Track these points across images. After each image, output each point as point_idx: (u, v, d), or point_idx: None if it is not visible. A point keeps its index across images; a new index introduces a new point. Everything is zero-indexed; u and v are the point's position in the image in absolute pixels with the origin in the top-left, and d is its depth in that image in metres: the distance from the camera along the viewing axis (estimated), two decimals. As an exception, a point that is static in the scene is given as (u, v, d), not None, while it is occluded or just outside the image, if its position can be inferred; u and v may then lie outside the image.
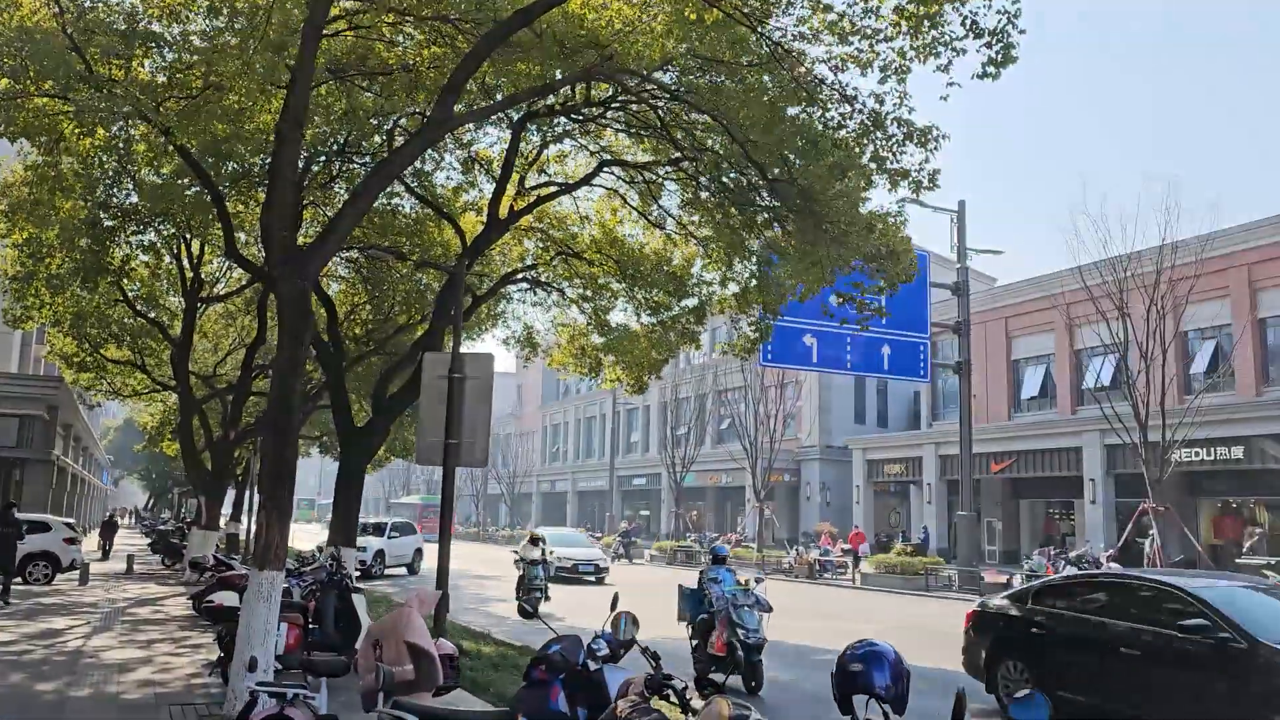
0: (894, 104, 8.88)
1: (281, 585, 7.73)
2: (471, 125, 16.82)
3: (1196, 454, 28.80)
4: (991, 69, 7.62)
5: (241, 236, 17.92)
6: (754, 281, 14.62)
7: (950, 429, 39.24)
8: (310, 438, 38.62)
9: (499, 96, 13.85)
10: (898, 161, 9.17)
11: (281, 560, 7.70)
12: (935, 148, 8.92)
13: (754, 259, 13.98)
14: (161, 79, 12.97)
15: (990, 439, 36.18)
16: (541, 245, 18.72)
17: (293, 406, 7.92)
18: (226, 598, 9.36)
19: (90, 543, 46.81)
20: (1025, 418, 36.98)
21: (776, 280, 14.33)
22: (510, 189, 15.41)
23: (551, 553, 25.09)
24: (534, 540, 21.74)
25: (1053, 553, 26.36)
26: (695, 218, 16.94)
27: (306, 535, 49.81)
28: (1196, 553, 23.36)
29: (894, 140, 9.04)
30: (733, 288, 16.40)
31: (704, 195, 14.65)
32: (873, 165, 9.87)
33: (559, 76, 9.57)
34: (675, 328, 18.54)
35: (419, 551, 30.02)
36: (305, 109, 8.58)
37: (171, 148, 15.56)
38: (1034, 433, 34.38)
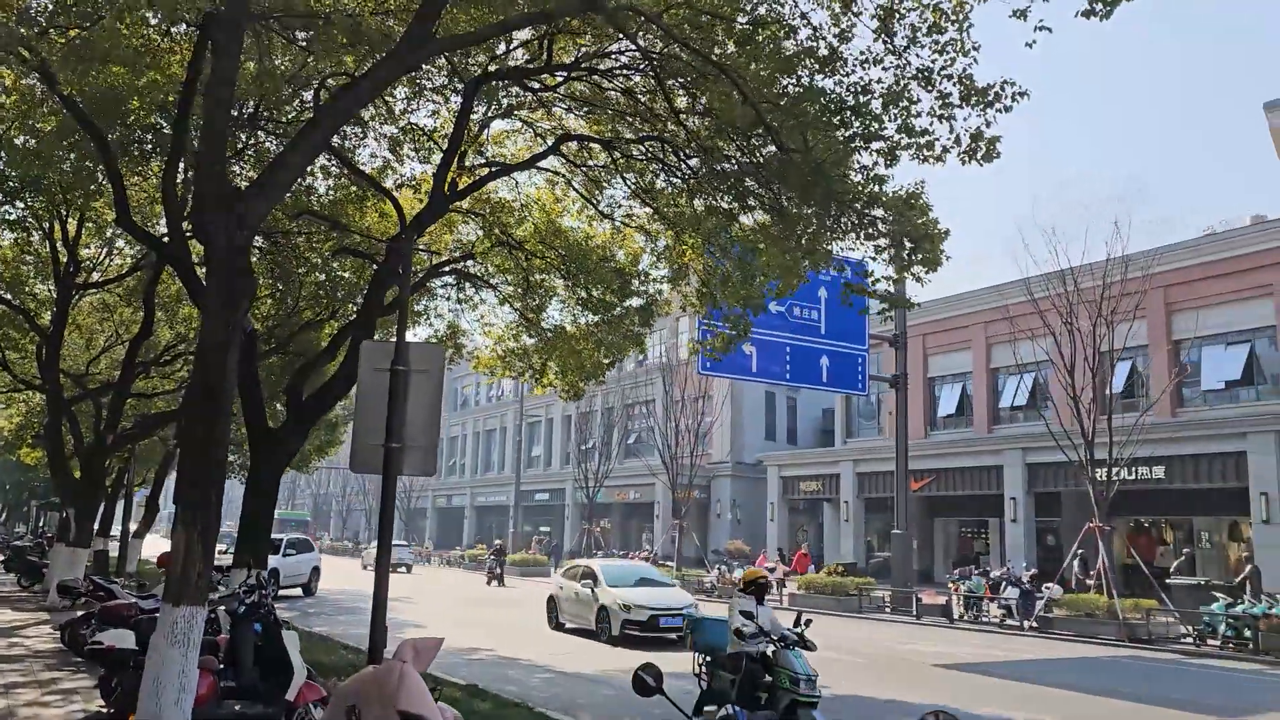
0: (949, 57, 7.65)
1: (203, 625, 5.92)
2: (404, 95, 15.12)
3: (1117, 473, 28.96)
4: (1100, 5, 6.40)
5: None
6: (736, 273, 13.29)
7: (868, 445, 38.89)
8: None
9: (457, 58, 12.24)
10: (949, 123, 7.92)
11: (203, 592, 5.90)
12: (1004, 108, 7.73)
13: (734, 248, 12.64)
14: (43, 3, 10.85)
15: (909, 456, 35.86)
16: (479, 232, 17.01)
17: (224, 393, 6.15)
18: (118, 637, 7.38)
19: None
20: (941, 435, 36.86)
21: (759, 270, 13.07)
22: (453, 164, 13.71)
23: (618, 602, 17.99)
24: (586, 575, 19.30)
25: (973, 572, 25.84)
26: (646, 210, 15.60)
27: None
28: (1141, 572, 23.13)
29: (947, 102, 7.81)
30: (694, 283, 15.05)
31: (676, 180, 13.31)
32: (901, 136, 8.65)
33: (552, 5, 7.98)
34: (620, 329, 17.08)
35: (316, 570, 27.55)
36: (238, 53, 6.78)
37: (49, 100, 13.40)
38: (953, 450, 34.17)
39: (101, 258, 22.71)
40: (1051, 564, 29.94)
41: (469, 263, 17.18)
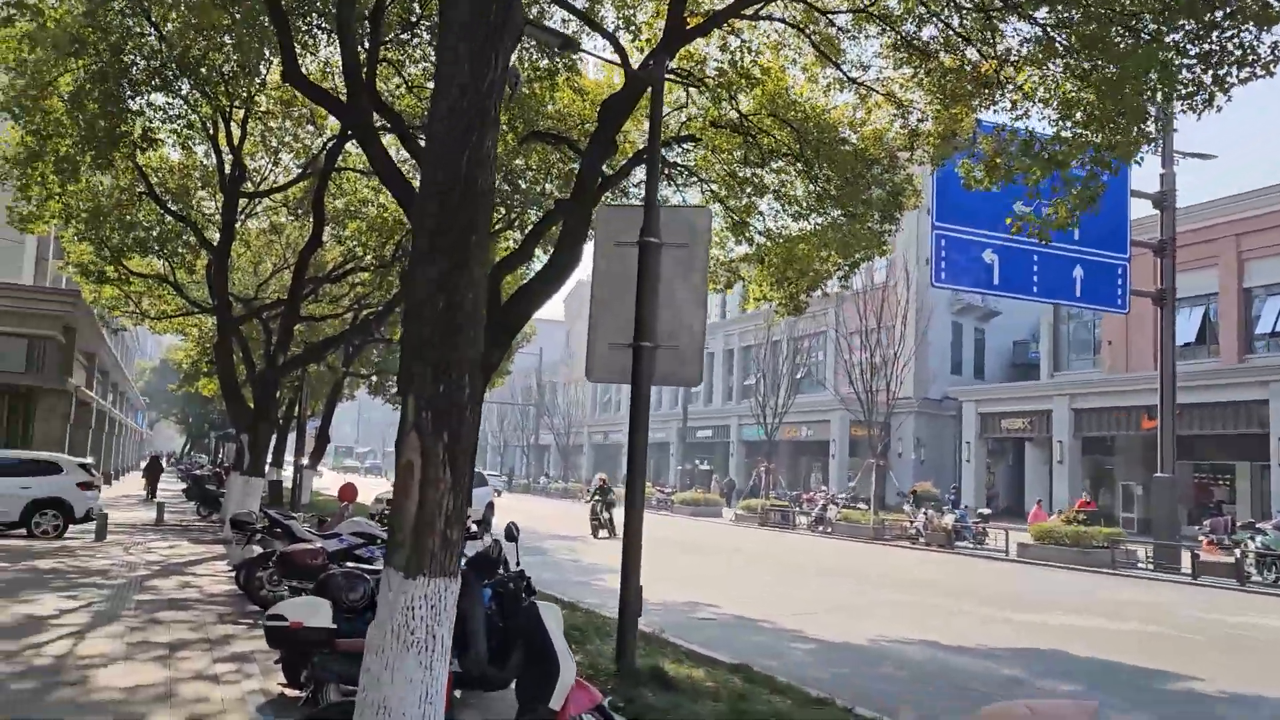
0: None
1: (454, 609, 3.37)
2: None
3: None
4: None
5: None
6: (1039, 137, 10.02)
7: (1081, 379, 34.45)
8: (360, 376, 34.64)
9: None
10: None
11: (455, 556, 3.33)
12: None
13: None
14: None
15: (1136, 389, 31.40)
16: (695, 109, 14.19)
17: (476, 213, 3.52)
18: (308, 610, 5.04)
19: (132, 485, 43.65)
20: (1181, 366, 31.99)
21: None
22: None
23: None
24: None
25: (1254, 525, 21.67)
26: (905, 71, 12.36)
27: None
28: None
29: None
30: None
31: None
32: None
33: None
34: (868, 221, 13.98)
35: (491, 506, 25.92)
36: None
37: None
38: (1201, 383, 29.33)
39: (267, 171, 21.16)
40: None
41: (688, 145, 14.31)
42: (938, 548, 25.33)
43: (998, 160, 11.07)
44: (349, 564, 7.03)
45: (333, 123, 18.91)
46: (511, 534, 5.90)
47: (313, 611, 5.00)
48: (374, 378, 34.70)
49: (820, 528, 30.35)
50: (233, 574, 11.87)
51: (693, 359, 7.88)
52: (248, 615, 9.51)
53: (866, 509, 30.26)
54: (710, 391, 59.39)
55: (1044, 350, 37.72)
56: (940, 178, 17.74)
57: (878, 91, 13.23)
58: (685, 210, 7.77)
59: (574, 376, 74.35)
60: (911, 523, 27.09)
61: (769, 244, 15.93)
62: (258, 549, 10.68)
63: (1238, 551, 19.06)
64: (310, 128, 19.61)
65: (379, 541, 9.91)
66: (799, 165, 13.92)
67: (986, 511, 27.29)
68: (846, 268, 14.81)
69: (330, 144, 17.97)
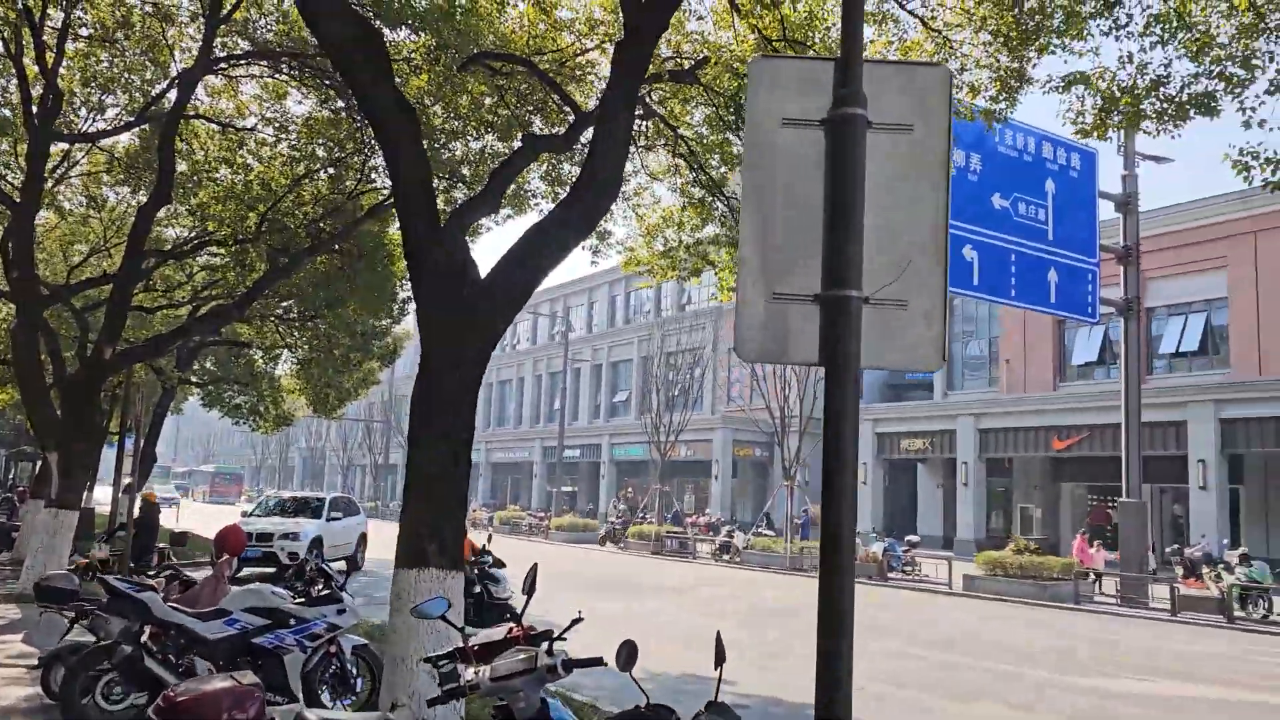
0: None
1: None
2: None
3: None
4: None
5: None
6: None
7: (988, 398, 33.43)
8: (193, 384, 29.53)
9: None
10: None
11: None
12: None
13: None
14: None
15: (1034, 411, 30.56)
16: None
17: None
18: None
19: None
20: (1075, 387, 31.42)
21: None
22: None
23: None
24: None
25: (1202, 548, 20.52)
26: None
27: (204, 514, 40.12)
28: None
29: None
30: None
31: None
32: None
33: None
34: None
35: (363, 538, 21.82)
36: None
37: None
38: (1107, 404, 28.54)
39: (85, 120, 16.63)
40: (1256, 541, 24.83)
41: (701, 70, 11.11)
42: (867, 579, 23.06)
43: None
44: (247, 673, 3.71)
45: (182, 58, 14.85)
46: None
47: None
48: (210, 386, 29.62)
49: (726, 557, 27.70)
50: (34, 666, 7.80)
51: (931, 322, 4.33)
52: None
53: (775, 536, 27.86)
54: (577, 408, 56.29)
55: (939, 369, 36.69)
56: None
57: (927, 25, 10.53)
58: (905, 67, 4.39)
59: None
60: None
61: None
62: (83, 638, 6.84)
63: (1214, 587, 17.56)
64: (148, 67, 15.40)
65: (293, 622, 6.36)
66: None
67: (915, 539, 25.34)
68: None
69: (179, 78, 13.93)
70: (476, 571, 10.47)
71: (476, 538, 11.98)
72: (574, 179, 14.65)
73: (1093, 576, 20.17)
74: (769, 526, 32.17)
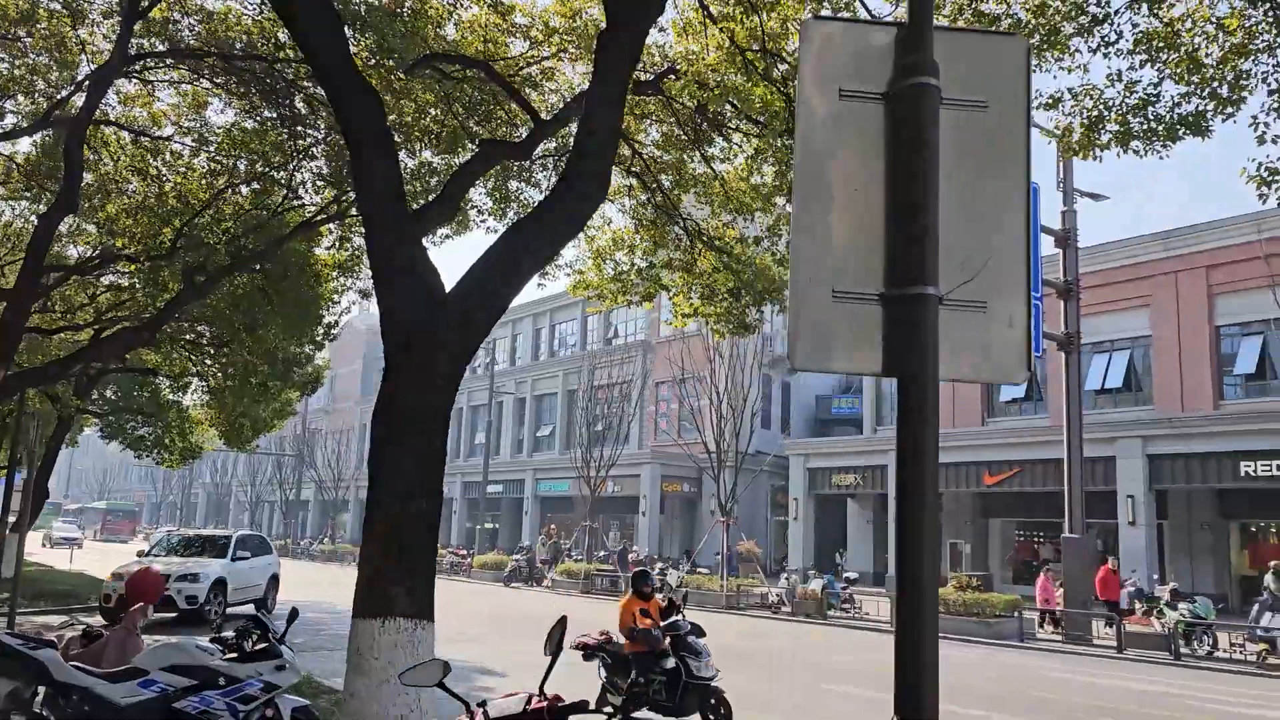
0: None
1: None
2: None
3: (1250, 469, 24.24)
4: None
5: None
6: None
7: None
8: (92, 414, 27.65)
9: None
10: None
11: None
12: None
13: None
14: None
15: (964, 446, 30.68)
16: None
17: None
18: None
19: None
20: (1004, 422, 31.75)
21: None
22: None
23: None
24: None
25: (1146, 587, 20.61)
26: None
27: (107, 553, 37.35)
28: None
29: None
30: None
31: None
32: None
33: None
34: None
35: (275, 580, 20.35)
36: None
37: None
38: (1037, 439, 28.84)
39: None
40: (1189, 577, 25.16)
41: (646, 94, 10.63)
42: (805, 618, 22.54)
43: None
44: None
45: (92, 60, 13.71)
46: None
47: None
48: (111, 416, 27.74)
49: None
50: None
51: (1014, 326, 3.66)
52: None
53: (708, 573, 27.20)
54: (499, 442, 54.99)
55: (867, 404, 36.79)
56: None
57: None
58: (978, 36, 3.74)
59: (338, 424, 66.95)
60: (770, 590, 24.25)
61: (703, 245, 12.61)
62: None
63: (1157, 623, 17.51)
64: (54, 68, 14.22)
65: (222, 682, 5.41)
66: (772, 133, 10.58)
67: (853, 575, 24.95)
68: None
69: (89, 79, 12.85)
70: (669, 640, 8.53)
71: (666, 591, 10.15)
72: (519, 195, 13.97)
73: (1059, 614, 19.88)
74: (692, 565, 31.46)
